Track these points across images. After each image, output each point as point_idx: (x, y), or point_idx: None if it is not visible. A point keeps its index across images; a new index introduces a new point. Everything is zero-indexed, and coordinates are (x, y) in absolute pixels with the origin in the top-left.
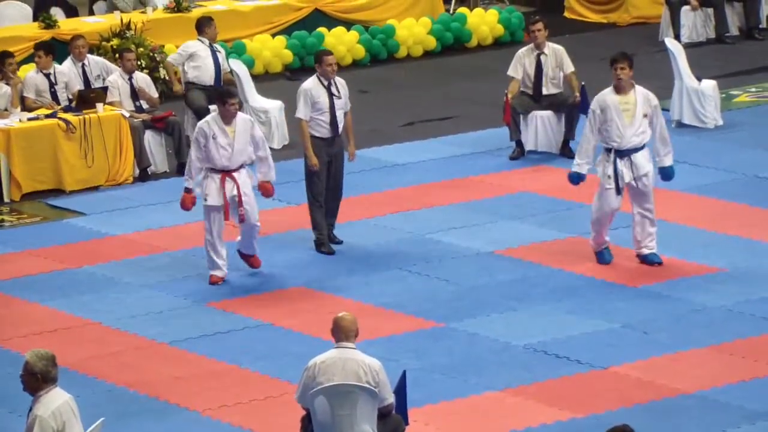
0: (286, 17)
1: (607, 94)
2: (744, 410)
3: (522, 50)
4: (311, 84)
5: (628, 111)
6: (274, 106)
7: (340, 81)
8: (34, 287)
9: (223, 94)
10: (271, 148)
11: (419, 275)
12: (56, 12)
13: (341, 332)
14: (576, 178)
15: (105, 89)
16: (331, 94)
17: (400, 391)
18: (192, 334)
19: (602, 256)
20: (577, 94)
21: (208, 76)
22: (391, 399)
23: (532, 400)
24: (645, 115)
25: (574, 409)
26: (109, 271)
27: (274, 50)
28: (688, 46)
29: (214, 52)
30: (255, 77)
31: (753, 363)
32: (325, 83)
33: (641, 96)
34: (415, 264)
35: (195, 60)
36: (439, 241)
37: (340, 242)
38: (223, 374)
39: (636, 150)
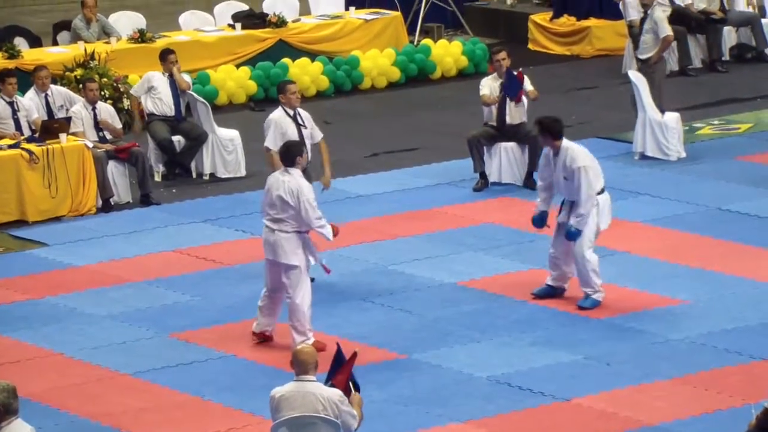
0: (250, 48)
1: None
2: None
3: (486, 78)
4: (278, 115)
5: (557, 167)
6: (237, 135)
7: (303, 112)
8: None
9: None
10: (238, 177)
11: (383, 306)
12: (20, 42)
13: (300, 365)
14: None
15: (68, 119)
16: (298, 124)
17: (339, 361)
18: (155, 365)
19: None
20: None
21: (167, 107)
22: (355, 424)
23: (496, 431)
24: (566, 178)
25: None
26: (71, 302)
27: (238, 81)
28: None
29: (173, 83)
30: (219, 108)
31: (716, 395)
32: (291, 113)
33: (562, 160)
34: (378, 295)
35: (154, 92)
36: (403, 273)
37: (311, 280)
38: (186, 405)
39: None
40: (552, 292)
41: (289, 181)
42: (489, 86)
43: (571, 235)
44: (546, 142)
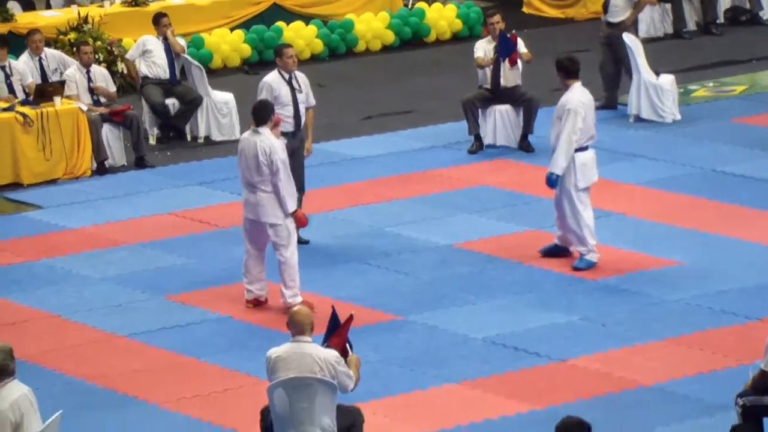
0: (244, 11)
1: None
2: (702, 402)
3: (481, 41)
4: (272, 78)
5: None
6: (231, 99)
7: (300, 75)
8: None
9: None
10: (232, 140)
11: (378, 268)
12: (13, 6)
13: (296, 326)
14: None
15: (62, 83)
16: (292, 88)
17: (334, 324)
18: (151, 326)
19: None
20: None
21: (161, 71)
22: (351, 385)
23: (491, 392)
24: (559, 118)
25: (533, 402)
26: (67, 264)
27: (232, 44)
28: (646, 41)
29: (167, 46)
30: (213, 71)
31: (711, 355)
32: (287, 77)
33: (562, 100)
34: (374, 257)
35: (149, 55)
36: (398, 235)
37: (306, 242)
38: (182, 367)
39: (554, 149)
40: (556, 251)
41: (261, 141)
42: (483, 49)
43: (548, 181)
44: (561, 81)
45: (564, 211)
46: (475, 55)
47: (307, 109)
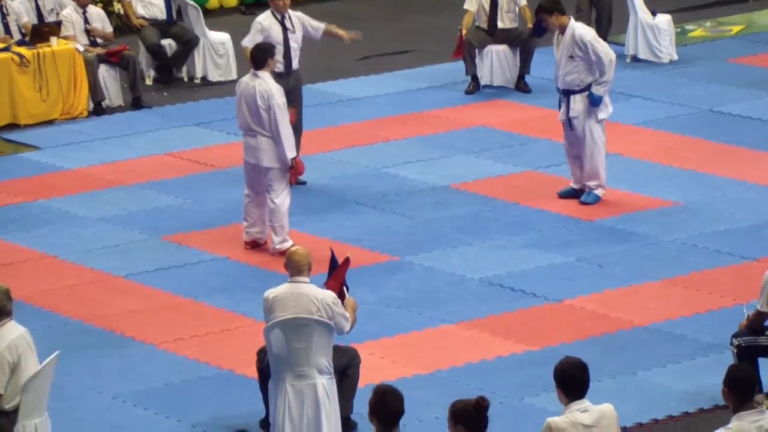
0: None
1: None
2: (698, 342)
3: None
4: (264, 17)
5: (561, 47)
6: (228, 39)
7: (295, 15)
8: None
9: None
10: (229, 81)
11: (375, 209)
12: None
13: (294, 267)
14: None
15: (59, 23)
16: (285, 28)
17: (334, 267)
18: (147, 267)
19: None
20: (530, 25)
21: (158, 11)
22: (347, 326)
23: (488, 333)
24: (571, 57)
25: (530, 342)
26: (64, 205)
27: None
28: None
29: None
30: (210, 11)
31: (707, 295)
32: (279, 17)
33: (569, 36)
34: (371, 198)
35: None
36: (395, 175)
37: (303, 183)
38: (179, 307)
39: (570, 91)
40: (574, 194)
41: (260, 85)
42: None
43: (595, 100)
44: (554, 23)
45: (585, 143)
46: (465, 6)
47: (321, 35)
